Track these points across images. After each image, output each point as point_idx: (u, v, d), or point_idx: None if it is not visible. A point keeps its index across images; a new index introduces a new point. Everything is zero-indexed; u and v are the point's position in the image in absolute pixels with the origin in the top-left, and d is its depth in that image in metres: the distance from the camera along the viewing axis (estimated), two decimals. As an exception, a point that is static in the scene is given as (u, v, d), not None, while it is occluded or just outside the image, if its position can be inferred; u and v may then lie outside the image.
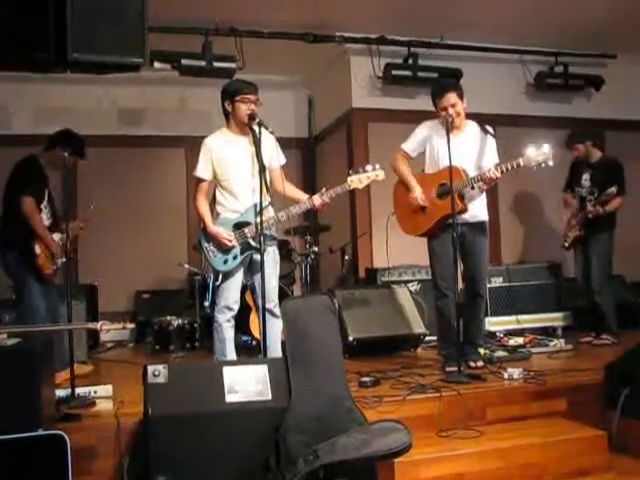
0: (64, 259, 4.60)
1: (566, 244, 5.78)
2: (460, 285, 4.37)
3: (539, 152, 4.08)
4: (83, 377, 4.36)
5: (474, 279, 4.44)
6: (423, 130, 4.54)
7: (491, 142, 4.42)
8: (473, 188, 4.27)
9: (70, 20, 2.76)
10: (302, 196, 4.23)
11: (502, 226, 7.20)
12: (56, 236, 4.67)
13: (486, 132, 4.42)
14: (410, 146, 4.55)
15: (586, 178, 5.70)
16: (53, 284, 4.67)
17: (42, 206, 4.60)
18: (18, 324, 4.48)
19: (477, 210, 4.41)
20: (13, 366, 2.92)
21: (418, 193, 4.41)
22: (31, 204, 4.47)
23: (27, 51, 2.81)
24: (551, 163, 4.07)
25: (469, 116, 4.46)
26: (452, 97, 4.29)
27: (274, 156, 4.21)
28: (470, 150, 4.36)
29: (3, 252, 4.56)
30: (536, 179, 6.99)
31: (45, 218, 4.62)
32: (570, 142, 5.78)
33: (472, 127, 4.46)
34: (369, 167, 4.21)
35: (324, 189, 4.16)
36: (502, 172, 4.13)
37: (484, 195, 4.47)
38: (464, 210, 4.27)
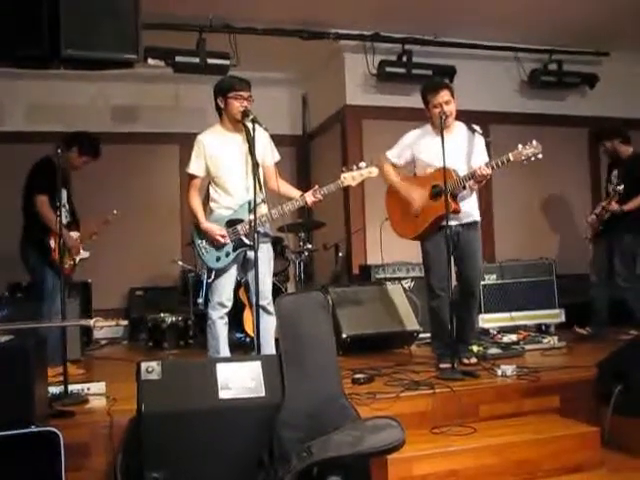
0: (82, 256, 4.93)
1: (588, 236, 5.84)
2: (453, 282, 4.37)
3: (528, 146, 4.10)
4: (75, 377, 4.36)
5: (468, 279, 4.42)
6: (410, 137, 4.52)
7: (480, 141, 4.40)
8: (465, 187, 4.26)
9: (63, 16, 2.76)
10: (295, 193, 4.23)
11: (496, 223, 7.22)
12: (74, 234, 4.88)
13: (474, 131, 4.40)
14: (395, 153, 4.53)
15: (615, 175, 5.75)
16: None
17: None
18: (37, 319, 4.55)
19: (470, 210, 4.40)
20: (6, 363, 2.91)
21: (416, 199, 4.40)
22: (43, 202, 4.66)
23: (21, 47, 2.81)
24: (540, 157, 4.09)
25: (460, 115, 4.45)
26: (446, 94, 4.28)
27: (268, 153, 4.20)
28: (460, 150, 4.33)
29: (23, 249, 4.79)
30: (532, 176, 7.03)
31: (64, 217, 4.68)
32: (599, 138, 5.83)
33: (460, 128, 4.44)
34: (363, 164, 4.20)
35: (317, 186, 4.15)
36: (492, 168, 4.13)
37: (475, 195, 4.47)
38: (457, 210, 4.26)
